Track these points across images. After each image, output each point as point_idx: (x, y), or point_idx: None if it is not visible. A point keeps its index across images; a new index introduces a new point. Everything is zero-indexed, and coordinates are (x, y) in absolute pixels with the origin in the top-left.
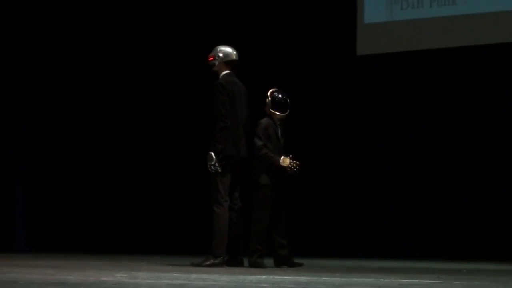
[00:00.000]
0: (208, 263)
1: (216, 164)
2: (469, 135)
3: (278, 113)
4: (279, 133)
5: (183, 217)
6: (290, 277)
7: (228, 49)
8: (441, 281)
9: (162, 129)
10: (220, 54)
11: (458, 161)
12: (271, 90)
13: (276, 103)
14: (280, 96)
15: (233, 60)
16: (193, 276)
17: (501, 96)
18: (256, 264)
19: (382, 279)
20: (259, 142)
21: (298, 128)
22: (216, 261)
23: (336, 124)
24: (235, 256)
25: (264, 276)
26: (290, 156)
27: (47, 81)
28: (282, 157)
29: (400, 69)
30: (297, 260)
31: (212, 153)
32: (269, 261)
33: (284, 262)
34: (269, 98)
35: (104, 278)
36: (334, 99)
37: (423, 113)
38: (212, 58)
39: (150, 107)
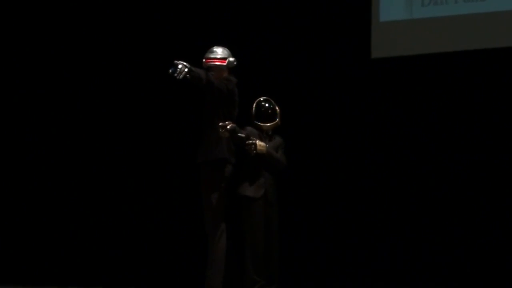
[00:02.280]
0: None
1: (185, 69)
2: (506, 150)
3: (261, 124)
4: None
5: (168, 247)
6: None
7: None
8: None
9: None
10: (231, 59)
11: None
12: (257, 100)
13: (259, 113)
14: (266, 105)
15: (234, 67)
16: None
17: None
18: None
19: None
20: None
21: (302, 138)
22: None
23: (345, 134)
24: None
25: None
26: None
27: None
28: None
29: (420, 74)
30: None
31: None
32: None
33: None
34: (253, 108)
35: None
36: (344, 108)
37: (446, 123)
38: (223, 62)
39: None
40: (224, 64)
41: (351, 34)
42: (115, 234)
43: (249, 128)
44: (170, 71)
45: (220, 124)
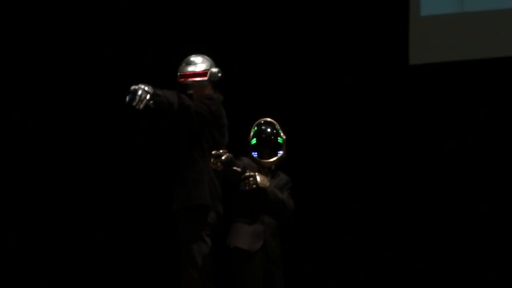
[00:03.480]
0: None
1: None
2: None
3: (262, 160)
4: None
5: None
6: None
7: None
8: None
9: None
10: (214, 70)
11: None
12: (256, 123)
13: (259, 143)
14: (268, 131)
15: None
16: None
17: None
18: None
19: None
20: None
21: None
22: None
23: (379, 153)
24: None
25: None
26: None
27: None
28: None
29: (474, 84)
30: None
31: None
32: None
33: None
34: (251, 135)
35: None
36: (376, 124)
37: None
38: (203, 77)
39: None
40: (205, 79)
41: (383, 33)
42: None
43: (246, 159)
44: (128, 99)
45: (213, 153)
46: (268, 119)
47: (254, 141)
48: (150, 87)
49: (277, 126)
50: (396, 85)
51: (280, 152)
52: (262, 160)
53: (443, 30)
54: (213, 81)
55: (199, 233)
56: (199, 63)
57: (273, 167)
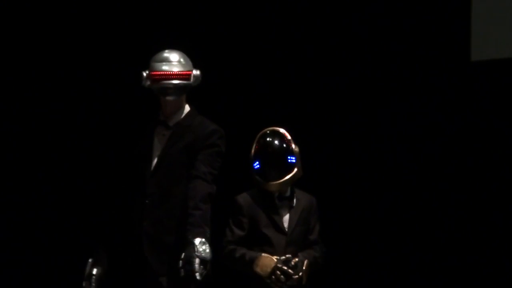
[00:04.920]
0: None
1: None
2: None
3: (269, 182)
4: (279, 212)
5: None
6: None
7: None
8: None
9: None
10: (197, 73)
11: None
12: (259, 135)
13: (264, 160)
14: (276, 143)
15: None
16: None
17: None
18: None
19: None
20: (226, 236)
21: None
22: None
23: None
24: None
25: None
26: (287, 257)
27: None
28: (262, 256)
29: None
30: None
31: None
32: None
33: None
34: (252, 151)
35: None
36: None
37: None
38: (188, 74)
39: None
40: (190, 82)
41: (442, 27)
42: None
43: (242, 199)
44: (182, 273)
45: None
46: (274, 129)
47: (259, 157)
48: (205, 252)
49: (287, 136)
50: (457, 82)
51: (293, 169)
52: (270, 184)
53: (506, 26)
54: (193, 87)
55: None
56: (182, 62)
57: (287, 192)
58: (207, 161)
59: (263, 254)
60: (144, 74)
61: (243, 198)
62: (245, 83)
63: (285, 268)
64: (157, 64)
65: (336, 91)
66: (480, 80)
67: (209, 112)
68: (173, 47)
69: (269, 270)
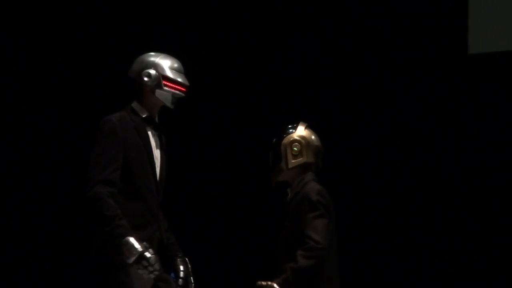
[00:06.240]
0: None
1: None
2: None
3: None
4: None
5: None
6: None
7: None
8: None
9: None
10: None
11: None
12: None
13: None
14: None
15: None
16: None
17: None
18: None
19: None
20: None
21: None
22: None
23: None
24: None
25: None
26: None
27: None
28: None
29: None
30: None
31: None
32: None
33: None
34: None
35: None
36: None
37: None
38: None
39: None
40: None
41: (440, 20)
42: None
43: None
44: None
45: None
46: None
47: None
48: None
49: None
50: (455, 75)
51: (279, 163)
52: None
53: (503, 19)
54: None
55: None
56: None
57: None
58: None
59: None
60: (152, 72)
61: None
62: (245, 83)
63: None
64: (175, 73)
65: (335, 89)
66: (477, 73)
67: (211, 112)
68: (173, 47)
69: None
